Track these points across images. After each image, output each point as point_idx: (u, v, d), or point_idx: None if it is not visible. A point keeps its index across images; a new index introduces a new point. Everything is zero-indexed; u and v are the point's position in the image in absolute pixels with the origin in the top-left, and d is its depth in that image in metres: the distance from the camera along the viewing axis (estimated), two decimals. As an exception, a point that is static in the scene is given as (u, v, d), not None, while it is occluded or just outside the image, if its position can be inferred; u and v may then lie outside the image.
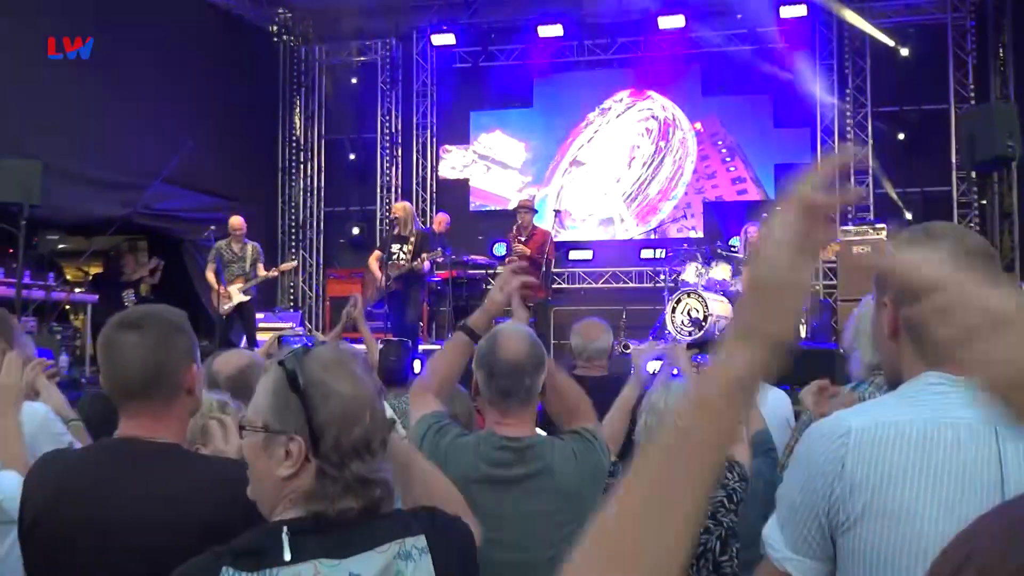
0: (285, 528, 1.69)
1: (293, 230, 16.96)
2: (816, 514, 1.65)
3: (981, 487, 1.53)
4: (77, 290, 11.63)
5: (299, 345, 1.90)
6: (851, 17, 14.07)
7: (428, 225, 13.97)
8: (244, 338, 11.48)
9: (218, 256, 11.42)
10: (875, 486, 1.57)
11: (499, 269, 12.66)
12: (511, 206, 13.78)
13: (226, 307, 11.33)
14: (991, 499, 1.52)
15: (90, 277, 13.48)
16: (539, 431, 3.05)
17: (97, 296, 11.50)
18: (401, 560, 1.79)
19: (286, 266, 13.22)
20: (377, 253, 11.15)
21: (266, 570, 1.64)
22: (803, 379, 3.02)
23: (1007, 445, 1.55)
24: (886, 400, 1.73)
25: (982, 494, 1.52)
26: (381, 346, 6.08)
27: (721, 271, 12.05)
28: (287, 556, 1.66)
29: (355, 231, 16.67)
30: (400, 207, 11.38)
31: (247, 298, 11.42)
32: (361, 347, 7.15)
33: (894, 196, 14.03)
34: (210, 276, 11.43)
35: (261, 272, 11.49)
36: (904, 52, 14.15)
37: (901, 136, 14.35)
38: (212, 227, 12.42)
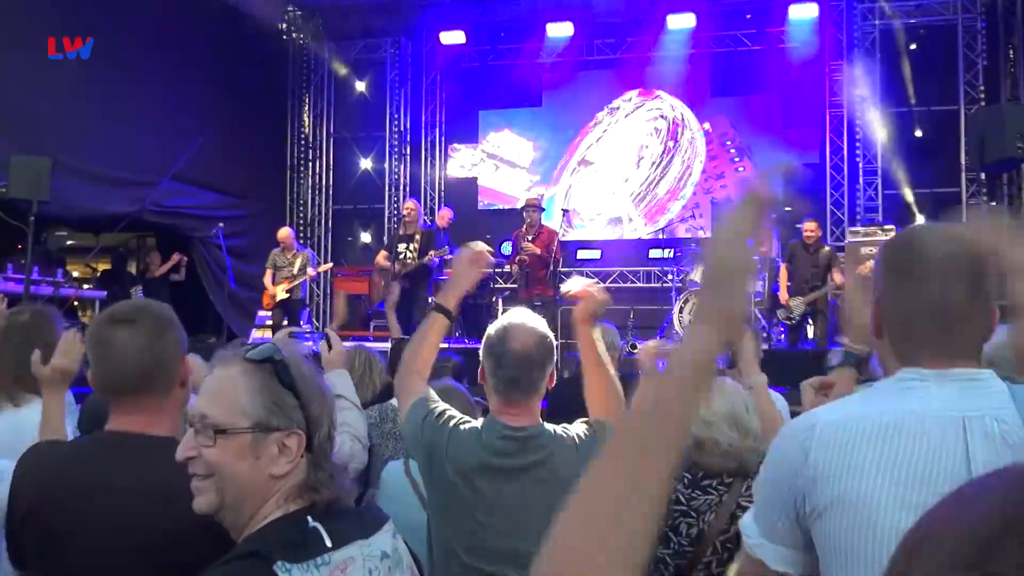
0: (309, 518, 1.69)
1: (301, 228, 16.98)
2: (784, 504, 1.69)
3: (945, 478, 1.54)
4: (85, 286, 11.67)
5: (304, 341, 1.91)
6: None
7: (432, 221, 13.97)
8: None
9: (274, 262, 12.46)
10: (838, 477, 1.60)
11: (507, 268, 12.66)
12: (519, 205, 13.79)
13: (269, 302, 12.46)
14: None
15: (98, 273, 13.53)
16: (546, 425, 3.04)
17: (105, 292, 11.53)
18: (395, 537, 1.86)
19: (322, 268, 14.19)
20: (384, 252, 11.17)
21: (317, 557, 1.64)
22: (802, 379, 3.03)
23: (975, 437, 1.56)
24: (858, 395, 1.77)
25: (947, 486, 1.51)
26: (392, 343, 6.10)
27: (729, 271, 12.05)
28: (328, 543, 1.66)
29: (363, 229, 16.68)
30: (411, 206, 11.45)
31: (286, 296, 12.29)
32: (373, 345, 7.18)
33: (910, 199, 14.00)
34: (266, 279, 12.49)
35: (309, 272, 12.51)
36: (915, 55, 14.12)
37: (911, 137, 14.31)
38: (221, 224, 12.49)
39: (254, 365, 1.75)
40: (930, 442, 1.57)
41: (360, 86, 17.00)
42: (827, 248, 11.64)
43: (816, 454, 1.63)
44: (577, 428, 2.88)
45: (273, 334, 10.56)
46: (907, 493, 1.55)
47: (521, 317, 2.93)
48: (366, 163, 16.88)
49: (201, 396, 1.77)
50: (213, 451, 1.71)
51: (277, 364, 1.75)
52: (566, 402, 3.54)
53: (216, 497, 1.72)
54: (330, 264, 15.21)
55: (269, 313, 12.76)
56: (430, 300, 11.05)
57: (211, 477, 1.72)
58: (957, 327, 1.67)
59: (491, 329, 2.91)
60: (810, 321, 11.50)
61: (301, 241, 16.75)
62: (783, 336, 11.73)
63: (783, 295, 11.39)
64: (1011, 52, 13.89)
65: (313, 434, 1.75)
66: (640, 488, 0.96)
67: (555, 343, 2.95)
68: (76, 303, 11.69)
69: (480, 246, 3.20)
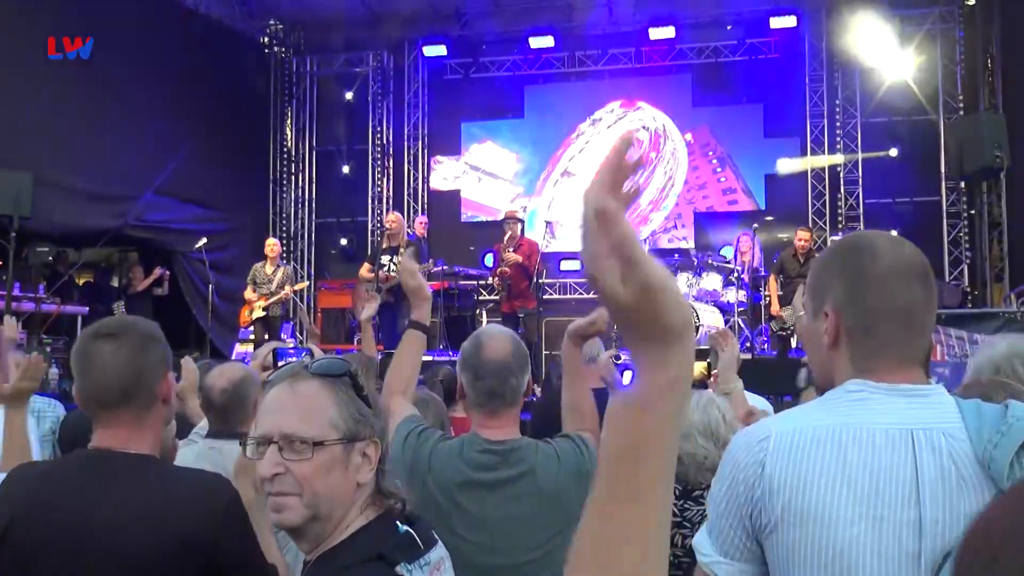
0: (398, 523, 1.79)
1: (284, 241, 16.93)
2: (740, 517, 1.68)
3: (896, 490, 1.56)
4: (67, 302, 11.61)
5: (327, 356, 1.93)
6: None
7: (413, 232, 13.96)
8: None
9: (254, 277, 12.25)
10: (792, 489, 1.60)
11: (490, 280, 12.66)
12: (500, 216, 13.80)
13: (248, 317, 12.32)
14: (906, 502, 1.55)
15: (80, 286, 13.46)
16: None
17: (88, 308, 11.47)
18: None
19: (299, 286, 13.82)
20: (367, 265, 11.15)
21: (422, 556, 1.77)
22: (788, 389, 3.05)
23: (923, 450, 1.58)
24: (808, 406, 1.76)
25: (897, 497, 1.55)
26: (382, 356, 6.10)
27: (712, 281, 12.07)
28: (422, 544, 1.78)
29: (346, 242, 16.68)
30: (395, 218, 11.43)
31: (264, 313, 12.10)
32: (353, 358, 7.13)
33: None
34: (247, 293, 12.25)
35: (286, 291, 12.21)
36: (895, 65, 14.21)
37: (891, 148, 14.40)
38: (204, 239, 12.44)
39: (330, 380, 1.80)
40: (881, 455, 1.58)
41: (342, 99, 17.00)
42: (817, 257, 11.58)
43: (771, 466, 1.63)
44: (560, 442, 2.89)
45: (255, 349, 10.62)
46: (860, 505, 1.56)
47: (493, 329, 2.98)
48: (349, 175, 16.86)
49: (278, 414, 1.78)
50: (307, 465, 1.73)
51: (353, 377, 1.81)
52: (554, 413, 3.53)
53: (307, 511, 1.74)
54: (306, 283, 15.21)
55: (251, 327, 12.68)
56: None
57: (298, 494, 1.74)
58: (919, 327, 1.70)
59: (465, 344, 2.93)
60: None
61: (284, 255, 16.76)
62: (766, 345, 11.74)
63: (774, 307, 11.29)
64: (989, 62, 13.99)
65: (382, 442, 1.83)
66: (647, 534, 0.91)
67: (533, 353, 2.96)
68: (58, 318, 11.60)
69: (407, 264, 3.25)
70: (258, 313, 12.06)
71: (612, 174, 0.99)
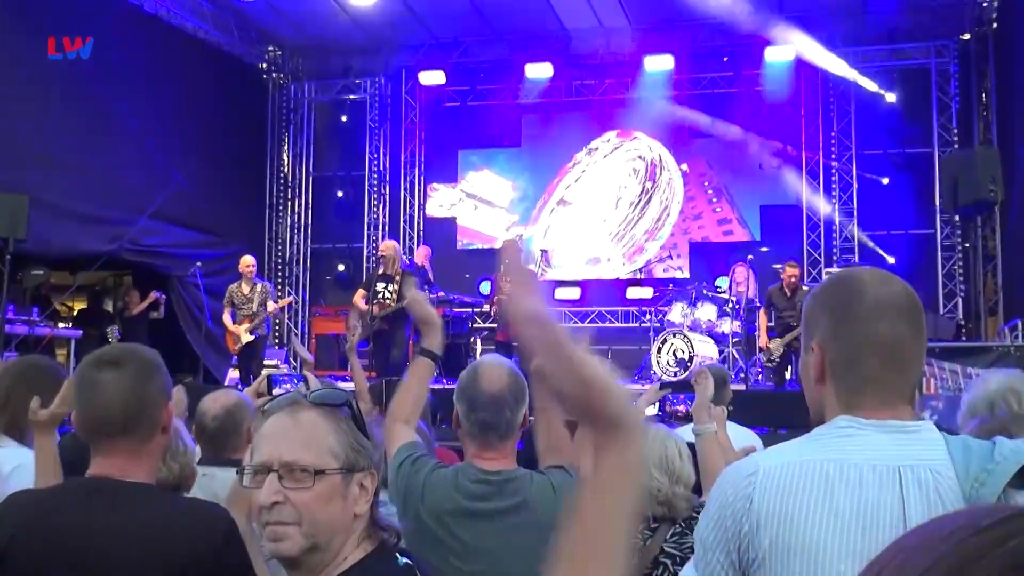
0: (398, 555, 1.81)
1: (280, 267, 16.95)
2: (727, 552, 1.67)
3: (883, 527, 1.55)
4: (61, 325, 11.58)
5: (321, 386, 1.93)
6: (836, 66, 14.21)
7: (411, 259, 13.95)
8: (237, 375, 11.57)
9: (231, 299, 11.67)
10: (780, 524, 1.60)
11: (485, 308, 12.66)
12: (498, 244, 13.81)
13: (236, 347, 11.71)
14: (893, 538, 1.53)
15: (75, 312, 13.43)
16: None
17: (81, 331, 11.44)
18: None
19: (283, 302, 13.63)
20: (362, 292, 11.12)
21: None
22: (783, 421, 3.05)
23: (910, 487, 1.58)
24: (796, 442, 1.76)
25: (884, 534, 1.55)
26: (373, 383, 6.08)
27: (707, 312, 12.09)
28: None
29: (341, 268, 16.69)
30: (388, 246, 11.36)
31: (252, 338, 11.63)
32: (349, 385, 7.16)
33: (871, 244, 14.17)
34: (225, 319, 11.67)
35: (269, 307, 11.73)
36: (890, 98, 14.31)
37: (885, 179, 14.46)
38: (198, 263, 12.42)
39: (329, 409, 1.79)
40: (868, 491, 1.58)
41: (340, 125, 17.06)
42: (805, 289, 11.53)
43: (759, 501, 1.63)
44: (554, 473, 2.88)
45: (241, 374, 10.45)
46: (849, 541, 1.56)
47: (491, 360, 2.96)
48: (345, 202, 16.88)
49: (278, 442, 1.77)
50: (307, 494, 1.72)
51: (353, 407, 1.80)
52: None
53: (305, 541, 1.73)
54: (290, 299, 15.11)
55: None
56: (409, 342, 11.04)
57: (297, 523, 1.73)
58: (904, 364, 1.69)
59: (463, 374, 2.92)
60: (793, 359, 11.38)
61: (280, 280, 16.75)
62: (760, 377, 11.73)
63: (763, 339, 11.23)
64: (984, 96, 14.10)
65: (379, 474, 1.83)
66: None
67: (526, 384, 2.95)
68: (51, 341, 11.57)
69: (414, 294, 3.33)
70: (246, 338, 11.60)
71: (522, 282, 1.08)
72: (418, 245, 16.31)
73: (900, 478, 1.59)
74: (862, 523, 1.56)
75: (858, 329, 1.69)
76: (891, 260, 13.90)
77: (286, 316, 16.55)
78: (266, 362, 12.97)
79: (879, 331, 1.67)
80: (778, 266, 11.49)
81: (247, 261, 11.84)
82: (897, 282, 1.73)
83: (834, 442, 1.66)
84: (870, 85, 14.31)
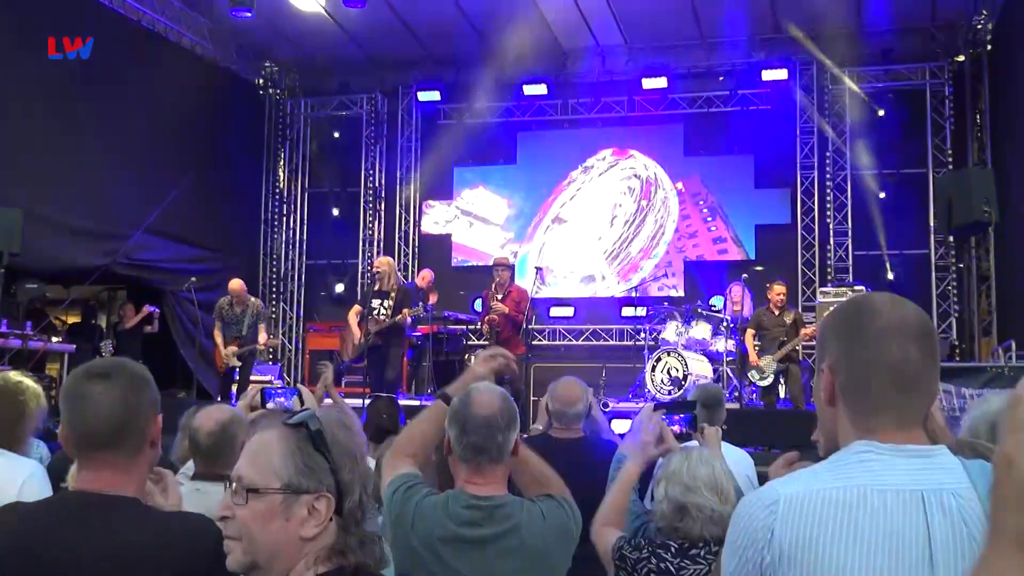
0: None
1: (274, 283, 16.94)
2: None
3: (909, 554, 1.55)
4: (54, 339, 11.55)
5: (307, 409, 1.89)
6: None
7: (412, 280, 13.94)
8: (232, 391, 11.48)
9: (220, 315, 11.53)
10: (804, 553, 1.59)
11: (479, 325, 12.63)
12: (492, 263, 13.81)
13: (222, 365, 11.56)
14: (919, 565, 1.54)
15: (67, 326, 13.40)
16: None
17: (74, 346, 11.41)
18: None
19: (272, 342, 13.65)
20: (357, 308, 11.09)
21: None
22: (777, 441, 3.04)
23: (934, 512, 1.57)
24: (817, 468, 1.74)
25: (910, 560, 1.54)
26: (368, 401, 6.07)
27: (701, 330, 12.09)
28: None
29: (336, 285, 16.67)
30: (383, 262, 11.33)
31: (239, 364, 11.51)
32: (355, 402, 7.16)
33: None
34: (215, 335, 11.55)
35: (261, 339, 11.53)
36: (885, 119, 14.37)
37: (881, 199, 14.48)
38: (193, 278, 12.41)
39: (290, 429, 1.78)
40: (892, 518, 1.57)
41: (335, 141, 17.09)
42: (792, 311, 11.49)
43: (781, 530, 1.61)
44: (544, 501, 2.88)
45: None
46: (875, 569, 1.54)
47: (482, 384, 2.97)
48: (340, 218, 16.89)
49: (240, 458, 1.81)
50: (244, 511, 1.74)
51: (311, 429, 1.78)
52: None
53: (245, 559, 1.75)
54: (277, 341, 15.18)
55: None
56: (404, 359, 11.03)
57: (238, 539, 1.75)
58: (914, 387, 1.68)
59: (454, 400, 2.92)
60: (782, 379, 11.36)
61: (274, 296, 16.73)
62: (754, 396, 11.71)
63: (752, 358, 11.17)
64: (978, 117, 14.15)
65: (344, 498, 1.77)
66: None
67: (520, 402, 2.96)
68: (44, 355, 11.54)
69: (498, 350, 3.32)
70: (233, 362, 11.46)
71: None
72: (413, 262, 16.32)
73: (924, 504, 1.58)
74: (888, 550, 1.55)
75: (868, 351, 1.68)
76: (890, 276, 13.93)
77: (281, 332, 16.53)
78: (259, 378, 12.93)
79: (889, 353, 1.66)
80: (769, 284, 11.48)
81: (233, 287, 11.60)
82: (910, 306, 1.72)
83: (855, 468, 1.64)
84: (865, 106, 14.36)
